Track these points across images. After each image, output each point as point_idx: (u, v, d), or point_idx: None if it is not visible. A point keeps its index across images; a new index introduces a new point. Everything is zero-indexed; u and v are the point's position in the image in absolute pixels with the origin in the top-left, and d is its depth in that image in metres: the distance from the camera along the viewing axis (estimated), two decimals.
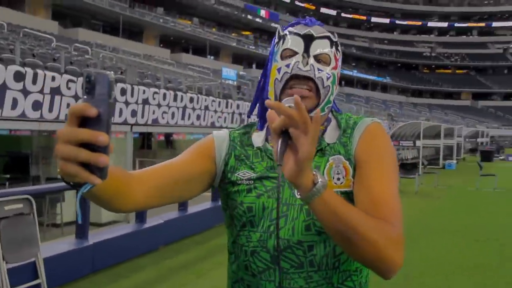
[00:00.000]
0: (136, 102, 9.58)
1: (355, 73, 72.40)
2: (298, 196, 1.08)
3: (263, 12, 67.42)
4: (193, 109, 11.71)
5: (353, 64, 78.58)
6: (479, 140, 35.10)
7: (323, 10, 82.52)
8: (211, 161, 1.23)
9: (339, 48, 1.25)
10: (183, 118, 11.29)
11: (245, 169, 1.22)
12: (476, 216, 9.20)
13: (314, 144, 0.91)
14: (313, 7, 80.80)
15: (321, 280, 1.14)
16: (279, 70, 1.17)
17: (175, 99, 10.91)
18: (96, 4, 36.71)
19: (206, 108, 12.31)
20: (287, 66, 1.16)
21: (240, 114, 14.03)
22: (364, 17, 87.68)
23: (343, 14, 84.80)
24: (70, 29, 34.15)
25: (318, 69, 1.16)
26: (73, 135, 0.72)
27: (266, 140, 1.24)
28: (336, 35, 1.25)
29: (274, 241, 1.15)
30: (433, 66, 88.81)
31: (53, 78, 7.31)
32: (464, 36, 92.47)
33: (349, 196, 1.15)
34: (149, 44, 41.70)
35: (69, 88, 7.59)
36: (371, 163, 1.14)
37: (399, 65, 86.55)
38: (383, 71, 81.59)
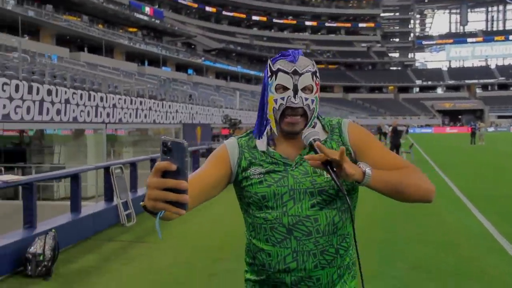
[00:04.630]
0: (109, 106, 12.73)
1: (239, 69, 76.39)
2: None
3: (147, 9, 68.13)
4: (151, 109, 15.00)
5: (236, 60, 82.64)
6: None
7: (206, 8, 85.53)
8: (227, 166, 1.60)
9: (318, 74, 1.59)
10: (138, 116, 14.52)
11: (255, 167, 1.57)
12: None
13: (350, 164, 1.35)
14: (196, 5, 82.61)
15: (325, 243, 1.51)
16: (275, 101, 1.54)
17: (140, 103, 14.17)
18: None
19: (150, 108, 15.59)
20: (282, 99, 1.52)
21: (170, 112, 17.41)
22: (244, 15, 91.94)
23: (224, 12, 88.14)
24: None
25: (305, 98, 1.52)
26: (162, 184, 1.07)
27: (268, 144, 1.60)
28: (315, 65, 1.60)
29: (287, 218, 1.51)
30: None
31: None
32: (334, 35, 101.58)
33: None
34: (46, 42, 42.19)
35: None
36: (371, 147, 1.58)
37: None
38: (264, 67, 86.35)
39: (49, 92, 10.26)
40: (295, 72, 1.53)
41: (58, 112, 10.58)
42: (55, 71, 14.64)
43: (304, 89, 1.53)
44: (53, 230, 5.28)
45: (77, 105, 11.33)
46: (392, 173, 1.47)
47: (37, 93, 9.86)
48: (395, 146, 16.14)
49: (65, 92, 10.91)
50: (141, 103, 14.87)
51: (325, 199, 1.51)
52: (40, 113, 9.96)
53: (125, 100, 13.82)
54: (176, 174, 1.07)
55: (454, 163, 17.74)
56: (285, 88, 1.53)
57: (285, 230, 1.51)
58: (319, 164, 1.36)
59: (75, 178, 6.58)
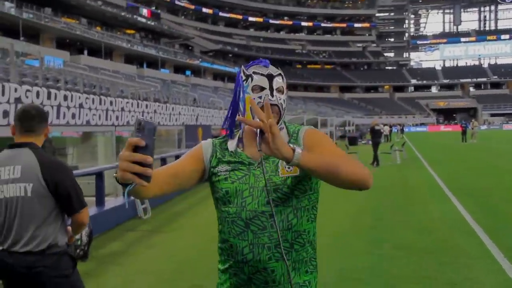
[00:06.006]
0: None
1: (236, 70, 76.97)
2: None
3: (144, 11, 68.41)
4: (155, 111, 15.82)
5: (233, 61, 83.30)
6: (347, 128, 42.00)
7: (203, 9, 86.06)
8: (201, 162, 1.76)
9: (284, 80, 1.77)
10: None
11: (223, 164, 1.73)
12: None
13: (276, 139, 1.40)
14: (193, 7, 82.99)
15: (280, 237, 1.62)
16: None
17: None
18: None
19: (155, 111, 16.43)
20: (260, 97, 1.67)
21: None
22: (240, 16, 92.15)
23: (220, 13, 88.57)
24: None
25: (279, 97, 1.69)
26: (131, 157, 1.25)
27: (237, 146, 1.75)
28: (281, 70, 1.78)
29: (245, 212, 1.65)
30: (304, 62, 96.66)
31: None
32: (329, 35, 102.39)
33: (297, 179, 1.66)
34: (47, 46, 42.86)
35: None
36: (321, 145, 1.69)
37: (275, 61, 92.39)
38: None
39: (65, 98, 11.10)
40: (270, 75, 1.71)
41: (73, 116, 11.42)
42: (65, 77, 15.48)
43: (278, 90, 1.71)
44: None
45: (90, 109, 12.16)
46: (326, 156, 1.59)
47: (55, 99, 10.70)
48: (375, 144, 17.21)
49: (79, 97, 11.75)
50: (146, 106, 15.70)
51: (280, 197, 1.64)
52: (58, 117, 10.80)
53: (132, 103, 14.64)
54: (144, 150, 1.27)
55: (443, 160, 18.67)
56: (262, 88, 1.69)
57: (243, 223, 1.65)
58: (253, 132, 1.49)
59: (99, 176, 7.43)
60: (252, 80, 1.71)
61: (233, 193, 1.67)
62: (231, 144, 1.76)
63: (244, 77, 1.74)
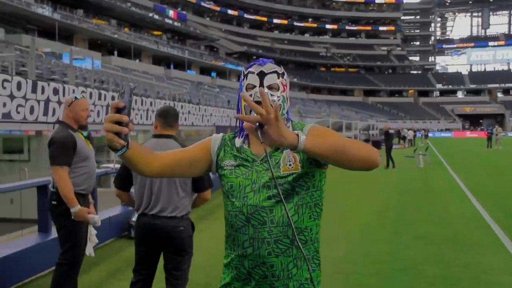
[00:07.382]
0: None
1: None
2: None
3: (171, 13, 69.43)
4: (189, 112, 16.78)
5: None
6: (371, 132, 42.49)
7: (228, 11, 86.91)
8: (207, 152, 1.82)
9: (285, 77, 1.81)
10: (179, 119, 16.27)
11: (230, 159, 1.78)
12: (371, 179, 15.11)
13: (279, 127, 1.42)
14: (218, 8, 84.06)
15: (279, 233, 1.67)
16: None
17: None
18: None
19: (189, 112, 17.38)
20: (251, 95, 1.70)
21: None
22: (265, 18, 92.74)
23: (245, 15, 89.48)
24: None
25: (271, 94, 1.71)
26: (110, 118, 1.40)
27: (243, 143, 1.79)
28: (282, 68, 1.81)
29: (247, 207, 1.70)
30: (328, 65, 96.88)
31: None
32: (354, 38, 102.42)
33: (299, 176, 1.71)
34: (80, 47, 44.18)
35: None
36: (325, 135, 1.71)
37: (299, 64, 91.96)
38: (285, 70, 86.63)
39: (113, 98, 12.08)
40: (261, 73, 1.74)
41: None
42: (107, 78, 16.51)
43: (270, 88, 1.73)
44: None
45: (133, 109, 13.13)
46: (331, 139, 1.63)
47: (105, 99, 11.68)
48: (388, 148, 18.34)
49: None
50: (181, 107, 16.66)
51: (281, 193, 1.66)
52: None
53: (168, 104, 15.61)
54: (123, 110, 1.42)
55: (466, 165, 19.25)
56: (254, 86, 1.73)
57: (244, 218, 1.71)
58: (252, 127, 1.46)
59: None
60: (246, 79, 1.77)
61: (237, 188, 1.74)
62: (238, 141, 1.81)
63: (242, 77, 1.81)
